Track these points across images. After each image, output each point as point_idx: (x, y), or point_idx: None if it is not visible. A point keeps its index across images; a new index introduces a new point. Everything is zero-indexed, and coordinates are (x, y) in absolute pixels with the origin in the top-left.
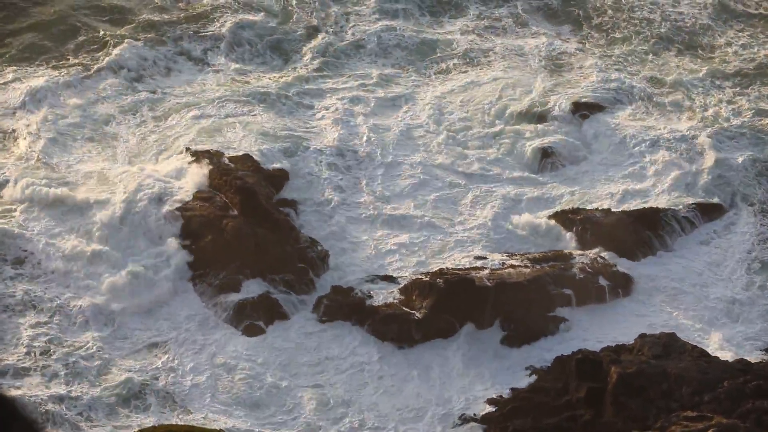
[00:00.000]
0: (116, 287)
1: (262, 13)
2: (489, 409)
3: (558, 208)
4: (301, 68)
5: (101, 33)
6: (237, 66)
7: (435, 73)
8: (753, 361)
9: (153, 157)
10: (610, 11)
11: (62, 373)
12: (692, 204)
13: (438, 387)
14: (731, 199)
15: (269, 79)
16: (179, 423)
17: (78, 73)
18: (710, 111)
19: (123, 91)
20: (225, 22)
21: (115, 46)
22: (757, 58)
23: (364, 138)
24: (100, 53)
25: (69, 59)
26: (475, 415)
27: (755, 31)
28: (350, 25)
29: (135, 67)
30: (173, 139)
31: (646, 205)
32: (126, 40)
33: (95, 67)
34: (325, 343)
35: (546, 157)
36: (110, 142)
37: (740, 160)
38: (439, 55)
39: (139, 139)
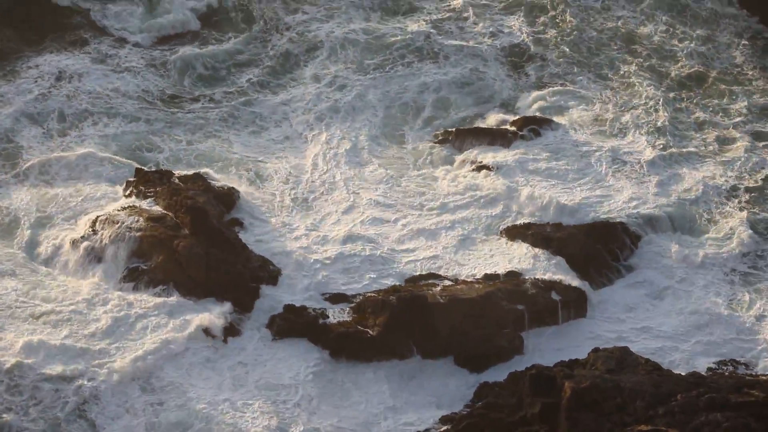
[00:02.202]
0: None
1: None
2: (444, 427)
3: (508, 223)
4: (236, 79)
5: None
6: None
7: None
8: (705, 374)
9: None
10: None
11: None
12: (644, 216)
13: (392, 404)
14: (682, 213)
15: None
16: None
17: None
18: (662, 123)
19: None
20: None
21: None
22: (704, 67)
23: (309, 150)
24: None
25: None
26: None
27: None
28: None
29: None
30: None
31: (597, 219)
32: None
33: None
34: (277, 361)
35: (496, 170)
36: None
37: (692, 174)
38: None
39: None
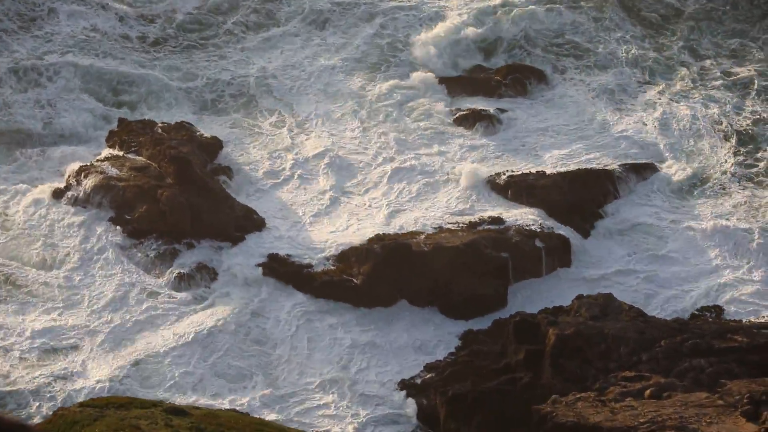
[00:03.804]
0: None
1: None
2: (428, 374)
3: (492, 171)
4: (220, 23)
5: None
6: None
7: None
8: (689, 321)
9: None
10: None
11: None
12: (626, 164)
13: (377, 352)
14: (668, 158)
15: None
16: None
17: None
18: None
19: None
20: None
21: None
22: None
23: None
24: None
25: None
26: (413, 379)
27: None
28: None
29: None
30: None
31: (581, 167)
32: None
33: None
34: (260, 307)
35: (480, 120)
36: None
37: (681, 118)
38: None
39: None
